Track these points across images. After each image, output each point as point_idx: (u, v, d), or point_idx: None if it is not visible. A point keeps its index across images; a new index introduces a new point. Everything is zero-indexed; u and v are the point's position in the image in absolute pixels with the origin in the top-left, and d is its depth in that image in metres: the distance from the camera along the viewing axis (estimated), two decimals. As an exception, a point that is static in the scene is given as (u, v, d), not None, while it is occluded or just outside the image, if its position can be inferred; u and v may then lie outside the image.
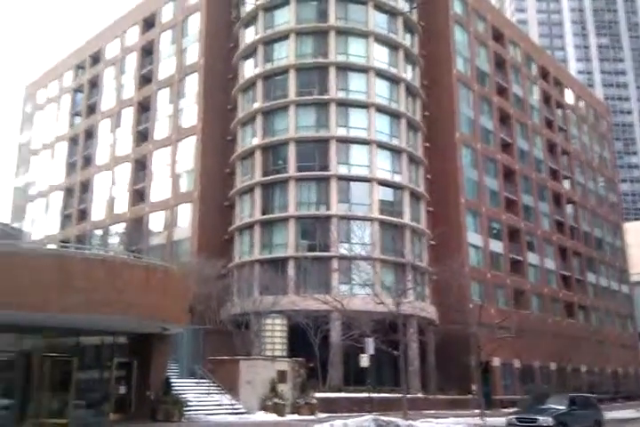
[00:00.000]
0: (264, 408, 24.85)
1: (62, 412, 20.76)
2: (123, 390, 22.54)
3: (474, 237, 48.35)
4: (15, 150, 69.40)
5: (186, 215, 45.38)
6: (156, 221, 47.99)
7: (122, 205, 51.30)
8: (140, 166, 50.69)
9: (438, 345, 39.64)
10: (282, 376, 26.09)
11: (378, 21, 45.44)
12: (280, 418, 24.06)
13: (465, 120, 51.02)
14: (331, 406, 26.46)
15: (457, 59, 51.53)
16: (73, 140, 59.64)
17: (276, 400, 24.93)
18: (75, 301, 18.61)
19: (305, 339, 31.70)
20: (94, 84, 59.27)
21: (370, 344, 28.99)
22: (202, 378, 26.19)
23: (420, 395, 34.99)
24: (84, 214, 55.27)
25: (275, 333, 27.77)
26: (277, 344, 27.47)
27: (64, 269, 19.16)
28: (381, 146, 43.07)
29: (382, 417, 20.38)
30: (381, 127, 43.66)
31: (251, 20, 46.53)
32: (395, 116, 44.46)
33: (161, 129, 50.38)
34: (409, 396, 27.15)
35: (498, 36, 58.06)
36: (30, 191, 63.78)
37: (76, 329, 21.67)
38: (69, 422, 20.21)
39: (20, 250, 23.85)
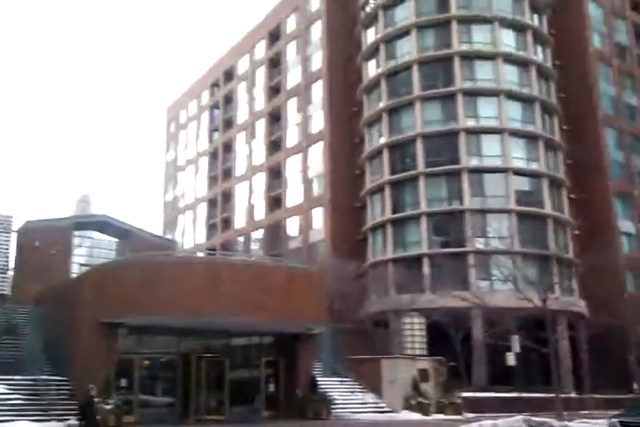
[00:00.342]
0: (408, 407, 24.80)
1: (219, 409, 22.34)
2: (272, 388, 23.72)
3: (625, 224, 44.71)
4: (163, 168, 75.61)
5: (319, 218, 46.63)
6: (292, 226, 49.82)
7: (260, 213, 53.88)
8: (275, 174, 52.90)
9: (591, 341, 37.07)
10: (424, 375, 25.89)
11: (502, 5, 43.71)
12: (425, 417, 23.89)
13: (606, 99, 47.53)
14: (477, 406, 25.78)
15: (592, 35, 48.09)
16: (213, 155, 63.71)
17: (419, 399, 24.80)
18: (224, 304, 19.99)
19: (445, 337, 31.19)
20: (229, 99, 62.87)
21: (515, 342, 27.83)
22: (344, 377, 26.74)
23: (573, 395, 32.96)
24: (227, 223, 58.80)
25: (414, 331, 27.63)
26: (417, 343, 27.30)
27: (214, 275, 20.76)
28: (514, 134, 41.42)
29: (534, 418, 19.48)
30: (513, 114, 42.03)
31: (371, 20, 46.83)
32: (527, 101, 42.52)
33: (291, 137, 52.22)
34: (561, 395, 25.70)
35: (636, 6, 53.22)
36: (179, 205, 69.10)
37: (226, 331, 23.17)
38: (226, 419, 21.67)
39: (176, 259, 26.11)
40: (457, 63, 41.94)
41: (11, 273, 36.77)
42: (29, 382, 20.35)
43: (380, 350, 27.86)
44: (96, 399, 17.07)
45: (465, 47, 42.51)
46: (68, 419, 18.75)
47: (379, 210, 43.09)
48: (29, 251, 36.25)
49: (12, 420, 17.56)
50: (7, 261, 36.90)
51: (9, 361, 21.50)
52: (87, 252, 42.98)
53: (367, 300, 37.64)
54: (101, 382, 19.36)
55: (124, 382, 21.00)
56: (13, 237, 37.42)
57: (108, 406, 18.83)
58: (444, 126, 41.58)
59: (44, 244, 36.35)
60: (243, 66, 61.33)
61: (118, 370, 20.81)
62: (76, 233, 40.48)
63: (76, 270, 36.88)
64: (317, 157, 48.40)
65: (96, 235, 43.12)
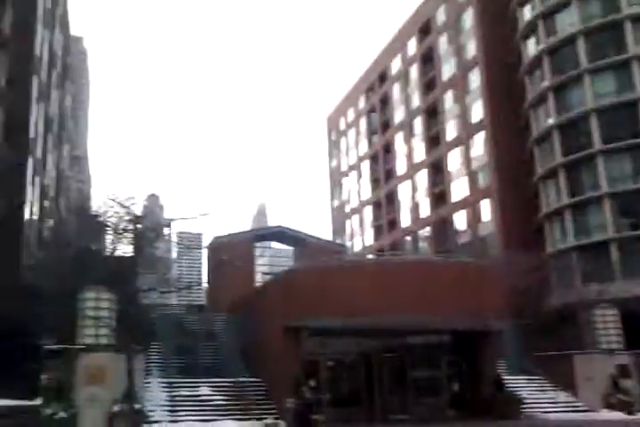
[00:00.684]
0: (608, 406, 22.86)
1: (403, 408, 22.50)
2: (456, 387, 23.35)
3: None
4: (327, 175, 78.28)
5: (488, 210, 45.01)
6: (459, 221, 48.66)
7: (425, 210, 53.42)
8: (437, 170, 52.16)
9: None
10: (623, 371, 23.73)
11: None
12: (629, 417, 21.85)
13: None
14: (692, 404, 22.97)
15: None
16: (374, 158, 64.60)
17: (620, 397, 22.76)
18: (396, 304, 20.10)
19: (644, 329, 28.24)
20: (384, 101, 63.40)
21: None
22: (532, 374, 25.45)
23: None
24: (393, 223, 59.15)
25: (607, 324, 25.34)
26: (612, 336, 24.97)
27: (385, 275, 20.99)
28: None
29: None
30: (700, 73, 37.18)
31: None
32: None
33: (451, 130, 51.15)
34: None
35: None
36: (345, 209, 70.97)
37: (403, 330, 23.26)
38: (410, 418, 21.74)
39: (348, 263, 27.02)
40: (628, 27, 38.26)
41: (205, 285, 40.67)
42: (230, 384, 22.24)
43: (569, 345, 26.01)
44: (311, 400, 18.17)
45: (636, 9, 38.52)
46: (265, 418, 20.18)
47: (554, 196, 40.47)
48: (218, 264, 39.76)
49: (217, 419, 19.33)
50: (201, 275, 40.84)
51: (211, 365, 23.72)
52: (268, 261, 46.03)
53: (550, 292, 35.44)
54: (292, 383, 20.55)
55: (312, 383, 22.01)
56: (204, 253, 41.21)
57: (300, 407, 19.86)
58: (619, 98, 38.07)
59: (230, 256, 39.60)
60: (395, 66, 61.49)
61: (306, 371, 21.88)
62: (257, 244, 43.53)
63: (259, 279, 39.63)
64: (480, 147, 46.82)
65: (274, 244, 45.99)
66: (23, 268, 28.27)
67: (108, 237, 25.14)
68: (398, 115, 60.18)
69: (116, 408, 17.72)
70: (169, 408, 20.03)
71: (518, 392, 23.18)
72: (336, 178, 74.92)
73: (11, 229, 27.19)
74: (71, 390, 18.03)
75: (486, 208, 45.29)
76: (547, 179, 41.26)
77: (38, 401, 17.59)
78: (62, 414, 16.74)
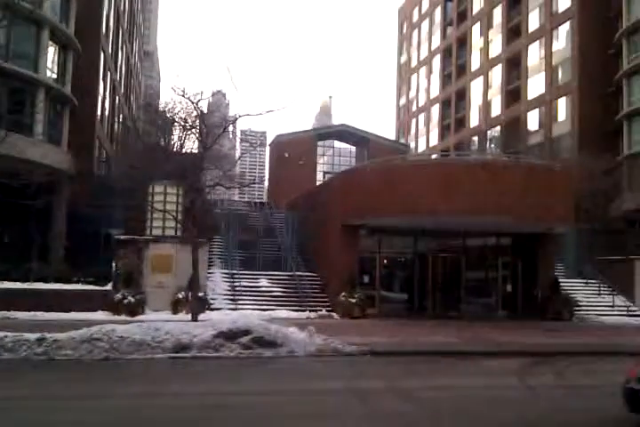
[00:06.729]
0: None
1: (454, 306, 23.02)
2: (509, 288, 23.53)
3: None
4: (395, 72, 74.95)
5: (564, 109, 42.30)
6: (532, 120, 46.15)
7: (496, 109, 50.77)
8: (513, 65, 48.77)
9: None
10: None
11: None
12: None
13: None
14: None
15: None
16: (447, 52, 60.86)
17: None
18: (459, 204, 19.50)
19: None
20: (462, -12, 58.46)
21: None
22: (590, 278, 25.20)
23: None
24: (461, 123, 56.81)
25: (676, 231, 24.46)
26: (680, 244, 24.20)
27: (449, 175, 20.14)
28: None
29: None
30: None
31: None
32: None
33: (533, 21, 47.02)
34: None
35: None
36: (412, 108, 68.51)
37: (462, 231, 23.09)
38: (461, 316, 22.26)
39: (411, 162, 26.48)
40: None
41: (267, 183, 41.36)
42: (287, 278, 23.27)
43: (634, 250, 25.26)
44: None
45: None
46: (320, 310, 21.19)
47: (638, 94, 37.36)
48: (281, 162, 40.12)
49: (274, 309, 20.46)
50: (264, 173, 41.47)
51: (270, 259, 24.73)
52: (330, 160, 45.92)
53: (620, 197, 33.94)
54: (346, 278, 21.25)
55: (366, 279, 22.72)
56: (267, 151, 41.46)
57: (353, 300, 20.72)
58: None
59: (292, 155, 39.76)
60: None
61: (361, 268, 22.47)
62: (320, 143, 43.31)
63: (320, 179, 39.85)
64: (563, 40, 43.13)
65: (336, 144, 45.62)
66: (95, 160, 29.51)
67: (176, 134, 25.54)
68: (476, 3, 55.66)
69: (180, 295, 19.02)
70: (230, 297, 21.31)
71: (574, 295, 23.15)
72: (405, 74, 71.73)
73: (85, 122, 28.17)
74: (140, 277, 19.40)
75: (563, 107, 42.50)
76: (633, 75, 37.93)
77: (109, 286, 19.09)
78: (131, 299, 18.14)
